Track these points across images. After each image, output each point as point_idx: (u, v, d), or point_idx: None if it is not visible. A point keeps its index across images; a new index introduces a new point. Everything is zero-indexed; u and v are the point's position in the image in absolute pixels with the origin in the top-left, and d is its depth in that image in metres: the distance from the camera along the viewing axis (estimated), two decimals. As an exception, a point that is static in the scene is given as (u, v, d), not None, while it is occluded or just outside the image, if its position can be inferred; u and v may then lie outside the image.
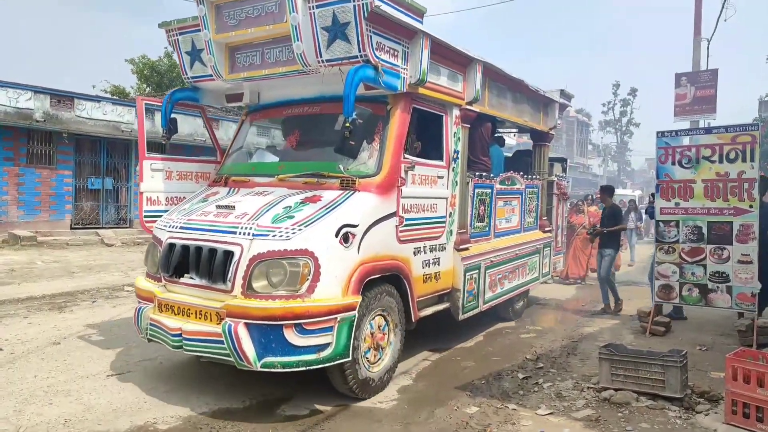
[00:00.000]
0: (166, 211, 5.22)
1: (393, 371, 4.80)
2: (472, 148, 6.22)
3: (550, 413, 4.29)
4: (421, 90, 4.95)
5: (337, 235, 4.11)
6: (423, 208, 5.10)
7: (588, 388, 4.80)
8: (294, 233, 4.04)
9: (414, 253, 4.99)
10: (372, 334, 4.49)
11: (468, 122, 5.79)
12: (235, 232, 4.18)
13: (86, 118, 16.16)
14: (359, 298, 4.17)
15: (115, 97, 20.74)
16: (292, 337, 3.87)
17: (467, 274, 5.73)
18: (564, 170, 9.12)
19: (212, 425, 3.98)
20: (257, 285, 3.99)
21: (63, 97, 15.86)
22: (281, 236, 4.04)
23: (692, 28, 20.27)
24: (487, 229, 6.31)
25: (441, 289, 5.53)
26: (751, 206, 6.27)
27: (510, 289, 6.85)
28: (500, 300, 6.60)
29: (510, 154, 8.74)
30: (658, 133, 6.96)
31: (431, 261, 5.27)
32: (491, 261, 6.25)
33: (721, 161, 6.43)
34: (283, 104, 5.38)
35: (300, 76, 4.67)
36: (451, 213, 5.56)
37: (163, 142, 5.40)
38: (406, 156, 4.85)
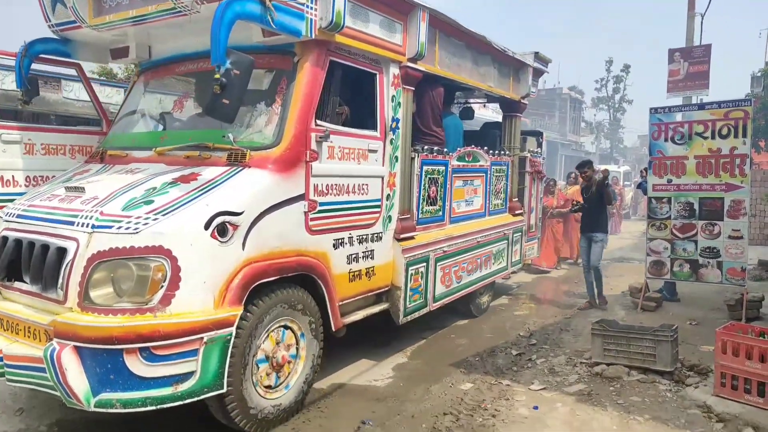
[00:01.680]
0: (23, 194, 3.97)
1: (307, 393, 3.73)
2: (421, 117, 5.09)
3: (543, 388, 4.25)
4: (339, 38, 3.74)
5: (207, 227, 2.97)
6: (347, 190, 3.98)
7: (580, 363, 4.74)
8: (145, 224, 2.90)
9: (334, 245, 3.88)
10: (270, 352, 3.40)
11: (412, 84, 4.60)
12: (73, 223, 3.05)
13: (74, 100, 15.05)
14: (240, 310, 3.06)
15: (102, 78, 19.48)
16: (137, 365, 2.75)
17: (411, 268, 4.63)
18: (539, 145, 7.72)
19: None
20: (96, 294, 2.87)
21: (50, 79, 14.69)
22: (128, 229, 2.90)
23: (686, 3, 19.25)
24: (440, 213, 5.17)
25: (377, 288, 4.44)
26: (742, 182, 6.16)
27: (470, 283, 5.73)
28: (457, 296, 5.48)
29: (480, 128, 7.43)
30: (651, 109, 6.71)
31: (361, 254, 4.17)
32: (444, 251, 5.12)
33: (713, 137, 6.28)
34: (176, 59, 4.15)
35: (182, 19, 3.45)
36: (389, 195, 4.43)
37: (20, 107, 4.23)
38: (319, 122, 3.69)
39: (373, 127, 4.28)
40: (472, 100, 7.53)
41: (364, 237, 4.20)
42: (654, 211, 6.65)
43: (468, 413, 3.80)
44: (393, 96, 4.41)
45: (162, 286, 2.84)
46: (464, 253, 5.52)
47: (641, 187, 8.02)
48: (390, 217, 4.48)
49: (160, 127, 4.19)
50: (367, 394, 4.13)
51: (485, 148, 5.96)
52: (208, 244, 2.97)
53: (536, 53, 6.85)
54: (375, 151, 4.24)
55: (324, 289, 3.74)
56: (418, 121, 5.08)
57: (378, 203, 4.33)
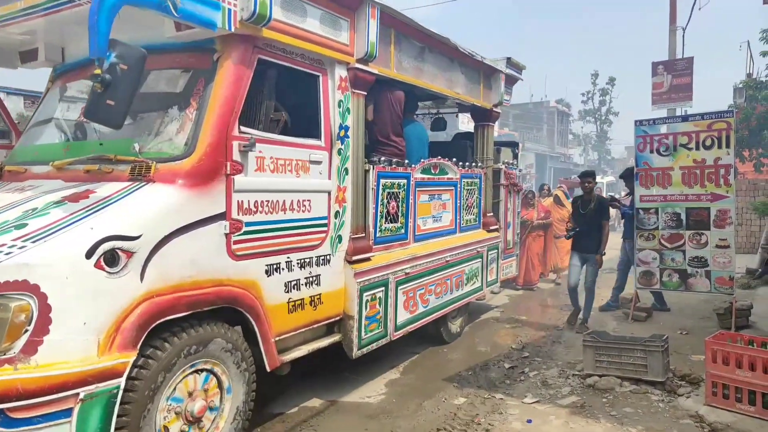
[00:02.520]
0: None
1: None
2: (378, 126, 4.56)
3: (537, 401, 4.20)
4: (269, 33, 3.19)
5: (90, 255, 2.39)
6: (283, 207, 3.40)
7: (573, 375, 4.70)
8: (8, 254, 2.32)
9: (267, 272, 3.31)
10: (184, 404, 2.81)
11: (363, 88, 4.06)
12: (-75, 253, 2.47)
13: (60, 119, 14.53)
14: (133, 355, 2.48)
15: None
16: (-11, 432, 2.16)
17: (366, 293, 4.05)
18: (515, 156, 7.17)
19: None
20: None
21: (35, 98, 14.18)
22: (-11, 259, 2.32)
23: (668, 17, 19.14)
24: (402, 231, 4.61)
25: (326, 318, 3.86)
26: (727, 192, 6.15)
27: (439, 307, 5.14)
28: (424, 322, 4.90)
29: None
30: (636, 121, 6.69)
31: (303, 281, 3.60)
32: (406, 273, 4.54)
33: (697, 148, 6.28)
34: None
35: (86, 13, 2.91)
36: (338, 212, 3.88)
37: None
38: (244, 130, 3.13)
39: (317, 136, 3.72)
40: (444, 110, 6.99)
41: (307, 261, 3.63)
42: (642, 222, 6.58)
43: (461, 428, 3.74)
44: (340, 101, 3.86)
45: (26, 331, 2.26)
46: (431, 274, 4.95)
47: (623, 212, 7.42)
48: (340, 237, 3.92)
49: (68, 138, 3.62)
50: (359, 411, 4.05)
51: (454, 159, 5.42)
52: (91, 277, 2.39)
53: (508, 59, 6.36)
54: (319, 163, 3.69)
55: (254, 323, 3.16)
56: (375, 129, 4.57)
57: (324, 221, 3.76)
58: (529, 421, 3.82)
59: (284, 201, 3.41)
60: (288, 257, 3.46)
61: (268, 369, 3.29)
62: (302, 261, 3.58)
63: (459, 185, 5.50)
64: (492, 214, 6.40)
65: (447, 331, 5.63)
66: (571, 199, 9.27)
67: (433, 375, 4.83)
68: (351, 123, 3.96)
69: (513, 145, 7.39)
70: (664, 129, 6.64)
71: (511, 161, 6.96)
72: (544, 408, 4.06)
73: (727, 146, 6.10)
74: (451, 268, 5.28)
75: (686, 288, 6.35)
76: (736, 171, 7.00)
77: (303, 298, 3.59)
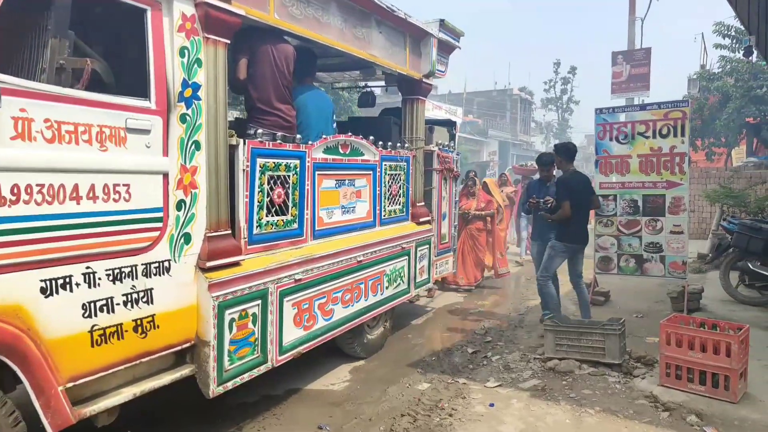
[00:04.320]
0: None
1: None
2: (257, 88, 3.65)
3: (499, 385, 4.25)
4: None
5: None
6: (73, 195, 2.42)
7: (534, 359, 4.77)
8: None
9: (43, 290, 2.34)
10: None
11: (223, 34, 3.08)
12: None
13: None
14: None
15: None
16: None
17: (230, 311, 3.09)
18: (452, 138, 6.26)
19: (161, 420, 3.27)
20: None
21: None
22: None
23: (627, 7, 19.53)
24: (295, 226, 3.74)
25: (165, 347, 2.85)
26: (682, 179, 6.30)
27: (350, 317, 4.29)
28: (327, 337, 4.05)
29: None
30: (596, 110, 6.78)
31: (121, 299, 2.63)
32: (297, 280, 3.64)
33: (654, 137, 6.41)
34: None
35: None
36: (183, 202, 2.90)
37: None
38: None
39: (143, 95, 2.70)
40: (373, 84, 6.15)
41: (127, 270, 2.64)
42: (601, 208, 6.64)
43: (425, 413, 3.76)
44: (183, 48, 2.85)
45: None
46: (337, 279, 4.09)
47: (523, 208, 6.86)
48: (187, 236, 2.93)
49: None
50: (323, 399, 4.04)
51: (371, 138, 4.59)
52: None
53: (441, 21, 5.39)
54: (144, 132, 2.68)
55: (18, 368, 2.22)
56: (253, 94, 3.66)
57: (157, 215, 2.76)
58: (492, 405, 3.89)
59: (76, 185, 2.41)
60: (88, 267, 2.48)
61: (50, 430, 2.31)
62: (117, 271, 2.60)
63: (379, 169, 4.69)
64: (423, 203, 5.57)
65: (362, 344, 4.77)
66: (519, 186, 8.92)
67: (397, 361, 4.82)
68: (204, 80, 2.96)
69: (449, 124, 6.56)
70: (623, 117, 6.77)
71: (447, 143, 6.12)
72: (506, 392, 4.13)
73: (683, 135, 6.27)
74: (366, 269, 4.46)
75: (642, 272, 6.51)
76: (690, 160, 7.20)
77: (121, 324, 2.60)
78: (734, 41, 14.82)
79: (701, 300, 6.49)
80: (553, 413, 3.77)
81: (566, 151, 5.60)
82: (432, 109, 27.68)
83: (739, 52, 14.68)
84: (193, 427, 3.58)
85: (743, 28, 8.18)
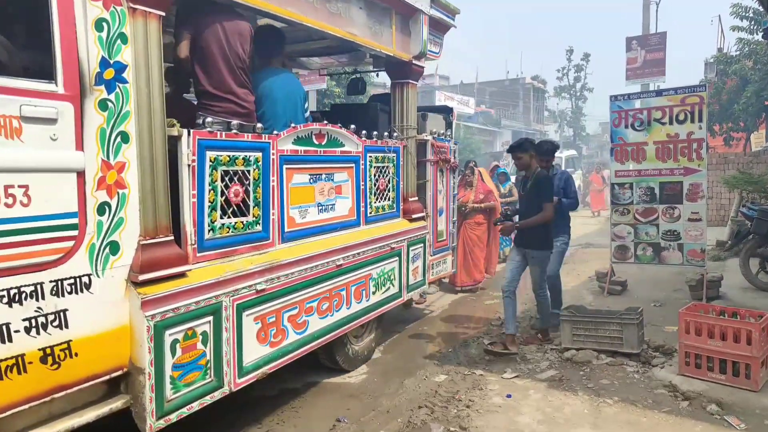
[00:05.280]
0: None
1: None
2: (207, 71, 3.16)
3: (516, 376, 4.23)
4: None
5: None
6: None
7: (551, 349, 4.72)
8: None
9: None
10: None
11: (154, 4, 2.57)
12: None
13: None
14: None
15: None
16: None
17: (171, 330, 2.63)
18: (449, 126, 5.68)
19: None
20: None
21: None
22: None
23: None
24: (258, 228, 3.26)
25: (89, 377, 2.40)
26: (699, 166, 6.17)
27: (328, 329, 3.83)
28: (301, 352, 3.58)
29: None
30: (611, 97, 6.68)
31: (21, 325, 2.17)
32: (260, 291, 3.17)
33: (671, 123, 6.29)
34: None
35: None
36: (106, 205, 2.44)
37: None
38: None
39: (47, 76, 2.23)
40: (363, 70, 5.68)
41: (29, 290, 2.17)
42: (617, 197, 6.61)
43: (443, 405, 3.75)
44: (101, 20, 2.37)
45: None
46: (311, 286, 3.61)
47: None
48: (113, 245, 2.47)
49: None
50: (341, 391, 4.05)
51: (353, 127, 4.11)
52: None
53: None
54: (48, 122, 2.21)
55: None
56: (200, 76, 3.17)
57: (70, 221, 2.30)
58: (509, 396, 3.87)
59: None
60: None
61: None
62: (14, 292, 2.12)
63: (363, 161, 4.23)
64: (416, 198, 5.05)
65: (345, 356, 4.32)
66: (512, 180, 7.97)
67: (414, 353, 4.82)
68: (132, 60, 2.50)
69: (446, 111, 5.85)
70: (638, 104, 6.65)
71: (443, 132, 5.54)
72: (523, 383, 4.11)
73: (700, 120, 6.15)
74: (348, 274, 3.99)
75: (660, 261, 6.42)
76: (707, 145, 7.09)
77: (21, 355, 2.14)
78: (752, 23, 14.44)
79: (720, 288, 6.40)
80: (571, 403, 3.75)
81: (537, 147, 4.94)
82: (444, 100, 27.55)
83: (757, 34, 14.32)
84: (212, 420, 3.49)
85: (762, 9, 7.97)
